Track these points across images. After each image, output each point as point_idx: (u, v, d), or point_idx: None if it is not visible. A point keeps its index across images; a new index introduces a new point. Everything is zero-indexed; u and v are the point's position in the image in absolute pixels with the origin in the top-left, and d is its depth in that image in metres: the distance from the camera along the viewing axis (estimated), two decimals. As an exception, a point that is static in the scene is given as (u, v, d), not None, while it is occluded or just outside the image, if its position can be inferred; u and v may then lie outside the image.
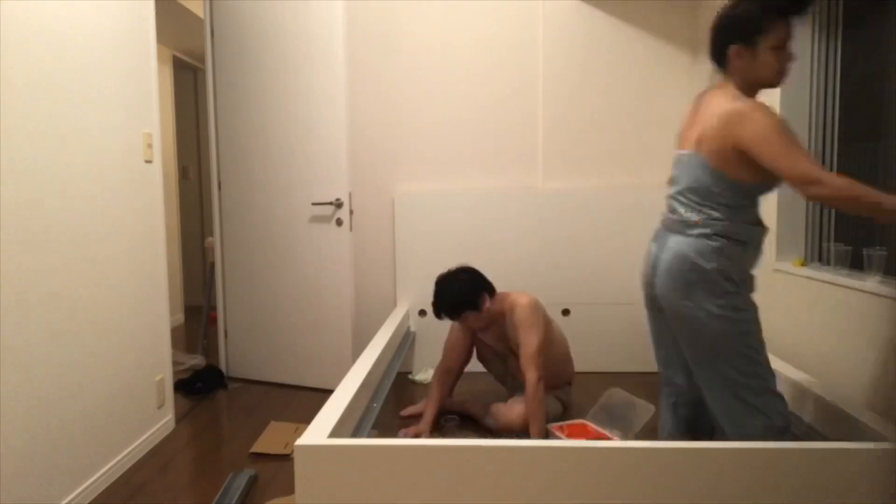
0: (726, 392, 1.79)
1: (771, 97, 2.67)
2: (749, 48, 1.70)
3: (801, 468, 1.62)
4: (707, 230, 1.74)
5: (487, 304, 2.66)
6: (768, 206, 2.71)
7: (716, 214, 1.74)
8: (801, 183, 1.59)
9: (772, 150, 1.61)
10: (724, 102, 1.72)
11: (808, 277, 2.44)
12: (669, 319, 1.85)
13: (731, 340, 1.74)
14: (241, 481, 2.28)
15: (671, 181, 1.89)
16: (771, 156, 1.61)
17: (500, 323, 2.72)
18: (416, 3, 3.60)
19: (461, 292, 2.62)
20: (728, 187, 1.72)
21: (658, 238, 1.90)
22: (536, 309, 2.62)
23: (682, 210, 1.80)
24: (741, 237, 1.74)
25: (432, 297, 2.67)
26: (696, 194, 1.77)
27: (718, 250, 1.72)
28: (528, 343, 2.54)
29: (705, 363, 1.80)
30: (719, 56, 1.78)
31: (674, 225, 1.83)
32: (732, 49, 1.72)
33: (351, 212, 3.31)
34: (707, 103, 1.79)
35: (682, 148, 1.86)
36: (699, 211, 1.76)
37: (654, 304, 1.95)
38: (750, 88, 1.74)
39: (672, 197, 1.86)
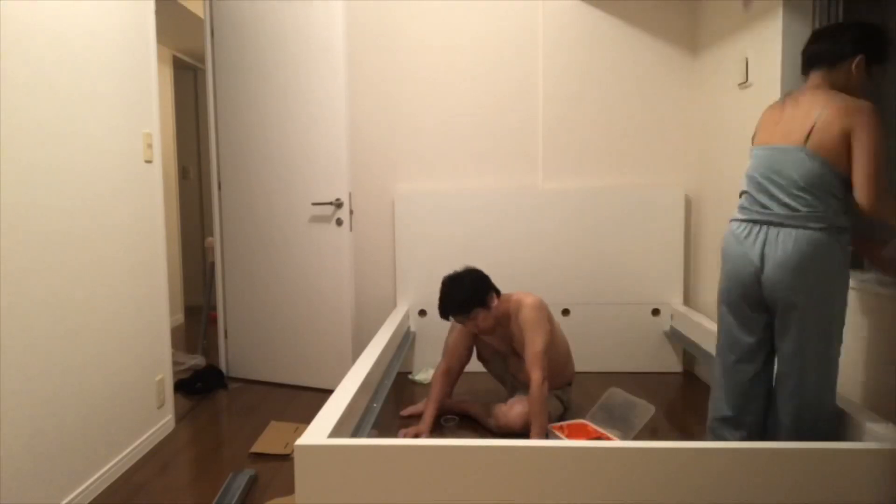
0: (818, 375, 1.88)
1: (771, 95, 2.67)
2: (870, 65, 1.88)
3: (801, 468, 1.62)
4: (826, 224, 1.82)
5: (495, 302, 2.66)
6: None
7: (832, 207, 1.83)
8: (873, 186, 1.76)
9: (869, 152, 1.76)
10: (836, 98, 1.82)
11: (808, 277, 2.44)
12: (785, 309, 1.88)
13: (837, 320, 1.88)
14: (241, 481, 2.28)
15: (766, 175, 1.92)
16: (871, 152, 1.76)
17: (505, 324, 2.72)
18: (416, 3, 3.60)
19: (472, 289, 2.63)
20: (836, 178, 1.82)
21: (759, 234, 1.92)
22: (542, 309, 2.63)
23: (795, 204, 1.85)
24: (847, 225, 1.85)
25: (439, 298, 2.66)
26: (811, 188, 1.83)
27: (840, 240, 1.84)
28: (534, 343, 2.54)
29: (814, 343, 1.87)
30: (838, 58, 1.88)
31: (787, 220, 1.86)
32: (859, 58, 1.86)
33: (351, 212, 3.31)
34: (808, 101, 1.88)
35: (775, 142, 1.92)
36: (816, 205, 1.83)
37: (751, 299, 1.97)
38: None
39: (780, 191, 1.89)
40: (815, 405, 1.90)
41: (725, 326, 2.07)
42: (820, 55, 1.91)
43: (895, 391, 1.97)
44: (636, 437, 2.53)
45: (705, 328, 3.00)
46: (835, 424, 1.93)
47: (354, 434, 2.06)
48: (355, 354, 3.29)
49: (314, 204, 3.31)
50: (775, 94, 2.64)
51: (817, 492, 1.62)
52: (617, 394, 2.73)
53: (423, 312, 3.66)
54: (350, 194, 3.28)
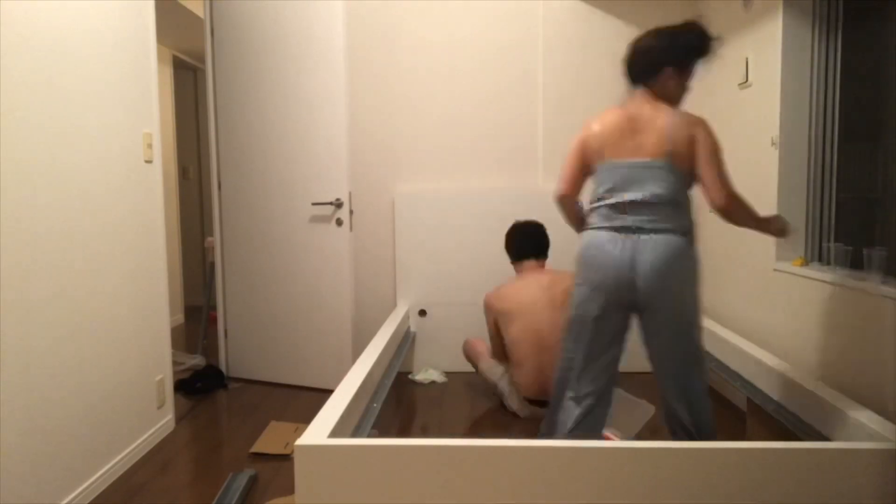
0: (690, 357, 2.05)
1: (771, 95, 2.67)
2: (683, 72, 2.06)
3: (801, 468, 1.62)
4: (686, 228, 2.01)
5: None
6: (768, 205, 2.71)
7: (687, 214, 2.04)
8: (727, 186, 1.95)
9: (717, 156, 1.97)
10: (672, 112, 2.00)
11: (808, 277, 2.44)
12: (658, 310, 2.01)
13: (698, 314, 2.07)
14: (241, 481, 2.28)
15: (624, 188, 2.02)
16: (719, 157, 1.97)
17: None
18: (416, 3, 3.60)
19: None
20: (686, 187, 2.03)
21: (625, 241, 2.01)
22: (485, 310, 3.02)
23: (660, 213, 1.99)
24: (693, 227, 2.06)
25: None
26: (671, 198, 1.99)
27: (694, 242, 2.04)
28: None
29: (684, 337, 2.04)
30: (651, 74, 2.05)
31: (652, 226, 2.00)
32: (668, 71, 2.03)
33: (351, 212, 3.31)
34: (648, 115, 2.02)
35: (626, 156, 2.03)
36: (678, 213, 2.01)
37: (619, 304, 2.06)
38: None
39: (639, 202, 2.00)
40: (693, 392, 2.05)
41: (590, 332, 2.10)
42: (636, 73, 2.08)
43: (895, 391, 1.97)
44: (636, 437, 2.53)
45: (705, 328, 2.99)
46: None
47: (354, 434, 2.06)
48: (355, 354, 3.29)
49: (314, 204, 3.31)
50: (775, 94, 2.64)
51: (817, 492, 1.62)
52: (617, 394, 2.72)
53: (423, 312, 3.65)
54: (350, 194, 3.28)
